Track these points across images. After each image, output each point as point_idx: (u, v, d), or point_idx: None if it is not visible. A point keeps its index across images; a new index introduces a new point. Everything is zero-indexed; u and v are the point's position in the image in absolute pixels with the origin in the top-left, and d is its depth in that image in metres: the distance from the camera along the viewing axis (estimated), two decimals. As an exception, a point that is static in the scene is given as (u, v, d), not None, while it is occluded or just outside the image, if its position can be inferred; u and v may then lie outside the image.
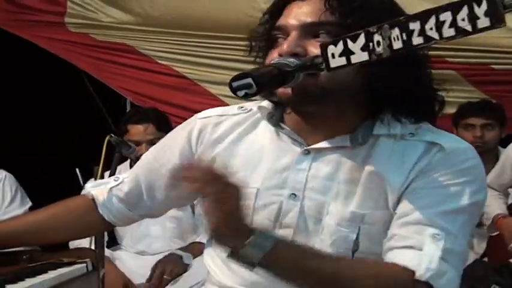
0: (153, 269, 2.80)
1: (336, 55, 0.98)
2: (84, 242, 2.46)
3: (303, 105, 1.23)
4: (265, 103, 1.27)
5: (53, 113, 4.19)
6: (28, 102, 4.05)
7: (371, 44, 0.92)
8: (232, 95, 3.70)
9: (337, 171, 1.24)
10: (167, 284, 2.73)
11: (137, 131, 3.04)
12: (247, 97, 1.06)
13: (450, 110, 3.46)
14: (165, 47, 4.03)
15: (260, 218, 1.26)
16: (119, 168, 2.52)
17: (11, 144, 3.81)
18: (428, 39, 0.82)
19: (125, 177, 1.49)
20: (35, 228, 1.48)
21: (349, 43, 0.95)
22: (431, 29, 0.82)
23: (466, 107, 3.47)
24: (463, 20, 0.78)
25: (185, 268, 2.79)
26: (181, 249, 2.89)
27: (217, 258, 1.36)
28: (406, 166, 1.21)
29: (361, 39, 0.93)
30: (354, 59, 0.95)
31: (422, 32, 0.82)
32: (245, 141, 1.34)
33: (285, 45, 1.20)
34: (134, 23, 4.02)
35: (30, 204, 3.10)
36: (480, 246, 3.27)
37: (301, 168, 1.25)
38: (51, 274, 1.47)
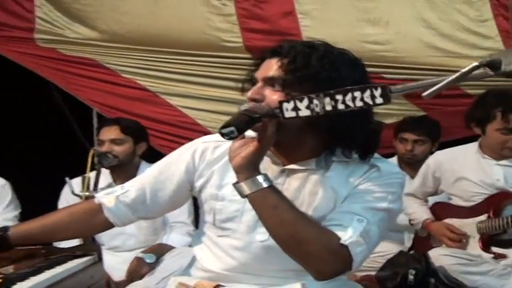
0: (126, 275, 2.97)
1: (289, 109, 1.38)
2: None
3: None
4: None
5: (24, 123, 4.33)
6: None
7: (311, 105, 1.33)
8: (190, 105, 4.18)
9: (303, 186, 1.59)
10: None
11: (103, 131, 3.35)
12: (232, 139, 1.42)
13: (389, 120, 3.90)
14: (128, 62, 4.23)
15: (247, 219, 1.62)
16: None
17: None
18: (347, 106, 1.28)
19: (130, 185, 1.77)
20: (50, 228, 1.75)
21: (297, 102, 1.36)
22: (349, 100, 1.27)
23: (402, 123, 3.83)
24: (368, 97, 1.24)
25: (150, 266, 2.92)
26: (143, 251, 3.03)
27: (205, 247, 1.70)
28: (352, 182, 1.57)
29: (306, 101, 1.35)
30: (301, 114, 1.36)
31: (343, 102, 1.27)
32: None
33: (249, 92, 1.58)
34: (99, 39, 4.20)
35: (20, 209, 3.47)
36: (409, 241, 3.68)
37: (278, 182, 1.58)
38: (69, 265, 1.74)
